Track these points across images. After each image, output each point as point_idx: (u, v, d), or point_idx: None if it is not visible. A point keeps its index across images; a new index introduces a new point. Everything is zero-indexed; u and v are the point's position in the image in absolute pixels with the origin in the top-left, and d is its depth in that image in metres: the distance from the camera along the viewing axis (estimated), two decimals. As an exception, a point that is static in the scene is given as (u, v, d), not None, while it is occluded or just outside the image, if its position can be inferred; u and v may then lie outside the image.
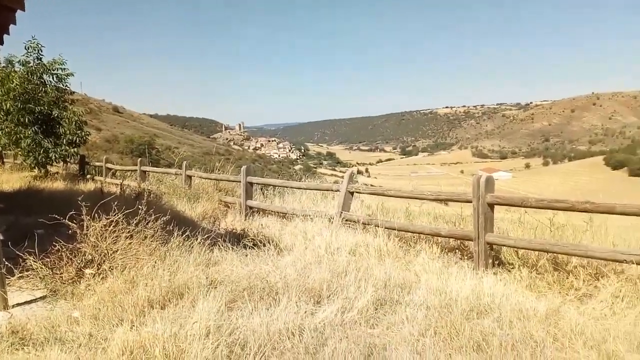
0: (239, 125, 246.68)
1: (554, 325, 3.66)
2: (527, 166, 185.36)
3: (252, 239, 6.32)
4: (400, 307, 4.12)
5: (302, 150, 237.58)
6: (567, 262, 5.20)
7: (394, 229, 6.63)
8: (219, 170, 12.12)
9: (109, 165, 17.29)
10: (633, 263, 4.41)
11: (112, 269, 4.69)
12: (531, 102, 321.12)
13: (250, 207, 9.58)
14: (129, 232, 5.08)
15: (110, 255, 4.87)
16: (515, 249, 5.50)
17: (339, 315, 3.89)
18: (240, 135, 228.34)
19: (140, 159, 15.38)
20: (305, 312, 3.89)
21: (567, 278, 4.91)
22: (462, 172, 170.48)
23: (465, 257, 5.83)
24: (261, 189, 10.89)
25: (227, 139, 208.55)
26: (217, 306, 3.80)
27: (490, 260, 5.44)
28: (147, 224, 5.24)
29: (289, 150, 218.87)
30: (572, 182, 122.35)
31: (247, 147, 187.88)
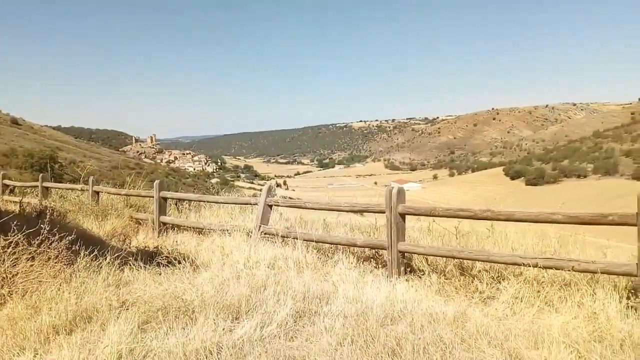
0: (151, 137, 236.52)
1: (461, 327, 3.90)
2: (435, 177, 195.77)
3: (166, 256, 6.10)
4: (318, 318, 4.18)
5: (219, 164, 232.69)
6: (472, 267, 5.57)
7: (312, 241, 6.72)
8: (129, 185, 11.57)
9: (7, 182, 15.85)
10: (530, 266, 4.82)
11: (11, 294, 4.33)
12: (438, 117, 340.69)
13: (164, 223, 9.25)
14: (30, 253, 4.72)
15: (10, 279, 4.49)
16: (425, 256, 5.82)
17: (258, 330, 3.87)
18: (152, 148, 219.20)
19: (41, 174, 14.28)
20: (224, 329, 3.83)
21: (473, 282, 5.26)
22: (376, 183, 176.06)
23: (380, 266, 6.05)
24: (176, 204, 10.55)
25: (138, 152, 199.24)
26: (129, 328, 3.63)
27: (403, 268, 5.69)
28: (51, 244, 4.90)
29: (205, 164, 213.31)
30: (476, 191, 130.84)
31: (159, 161, 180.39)
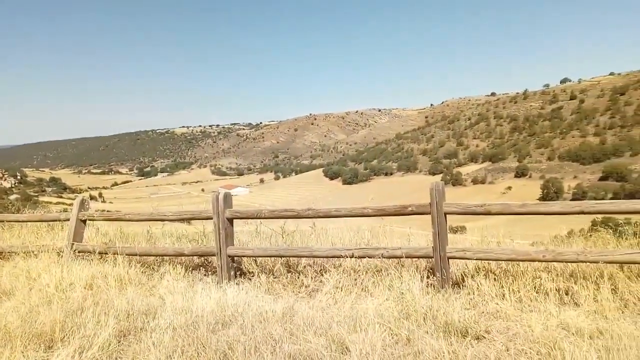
0: None
1: (289, 322, 4.12)
2: (262, 181, 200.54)
3: (-46, 289, 5.19)
4: (145, 334, 4.00)
5: (19, 177, 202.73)
6: (298, 263, 5.90)
7: (136, 255, 6.37)
8: None
9: None
10: (347, 257, 5.31)
11: None
12: (261, 122, 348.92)
13: (-51, 251, 7.80)
14: None
15: None
16: (254, 257, 5.97)
17: (77, 357, 3.56)
18: None
19: None
20: (35, 361, 3.43)
21: (299, 277, 5.58)
22: (203, 190, 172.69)
23: (210, 273, 6.02)
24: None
25: None
26: None
27: (233, 272, 5.75)
28: None
29: (1, 178, 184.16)
30: (300, 192, 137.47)
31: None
